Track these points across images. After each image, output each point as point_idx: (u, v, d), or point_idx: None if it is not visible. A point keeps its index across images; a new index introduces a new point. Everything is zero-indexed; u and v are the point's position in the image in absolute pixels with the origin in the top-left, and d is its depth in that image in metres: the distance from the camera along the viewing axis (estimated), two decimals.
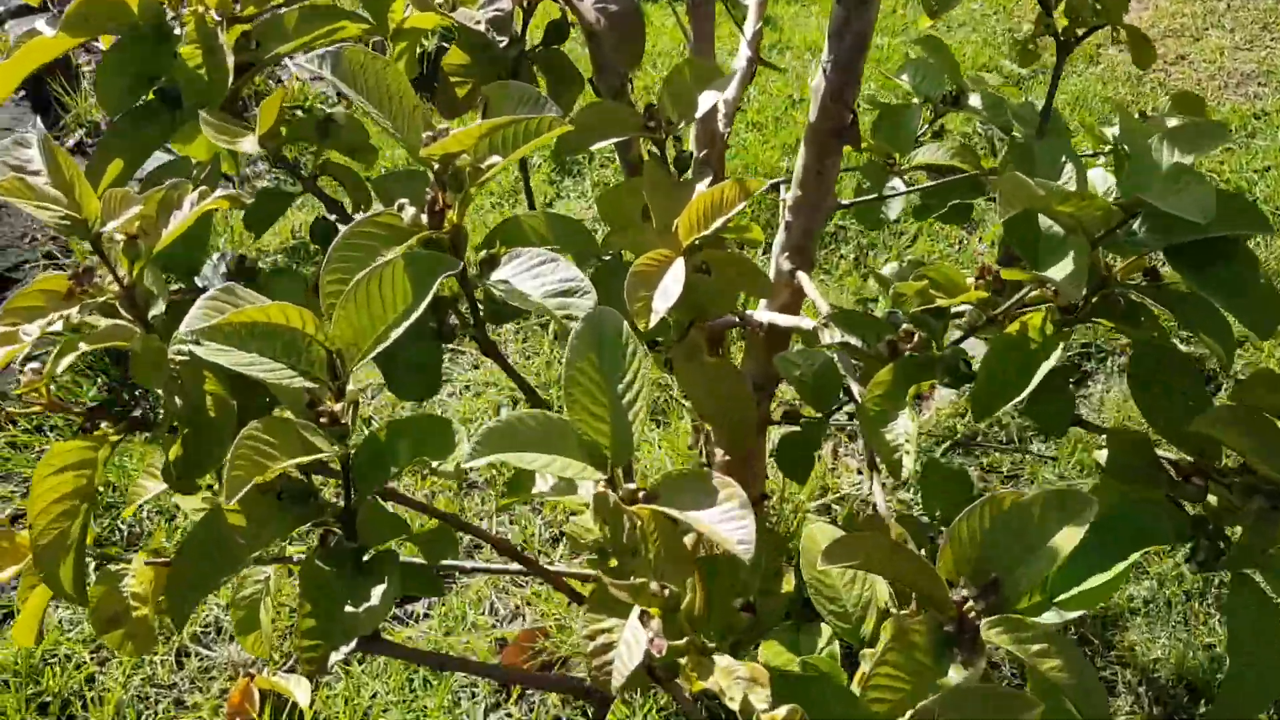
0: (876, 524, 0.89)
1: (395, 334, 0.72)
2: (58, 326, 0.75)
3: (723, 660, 0.60)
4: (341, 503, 0.76)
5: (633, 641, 0.65)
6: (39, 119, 2.89)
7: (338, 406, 0.73)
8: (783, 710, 0.58)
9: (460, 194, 0.81)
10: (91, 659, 1.70)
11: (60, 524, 0.78)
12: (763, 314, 1.19)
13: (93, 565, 1.45)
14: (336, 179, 0.95)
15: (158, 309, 0.82)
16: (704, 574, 0.65)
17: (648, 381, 0.68)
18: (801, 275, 1.17)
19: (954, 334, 0.98)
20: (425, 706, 1.56)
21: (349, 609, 0.71)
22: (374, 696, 1.61)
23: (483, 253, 0.84)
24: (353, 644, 0.68)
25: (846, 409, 1.06)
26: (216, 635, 1.73)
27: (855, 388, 1.04)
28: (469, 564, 1.02)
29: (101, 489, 1.94)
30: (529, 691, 1.57)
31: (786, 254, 1.20)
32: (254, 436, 0.68)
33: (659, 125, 1.00)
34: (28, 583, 0.99)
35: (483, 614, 1.69)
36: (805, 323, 1.18)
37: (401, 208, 0.79)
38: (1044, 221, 0.89)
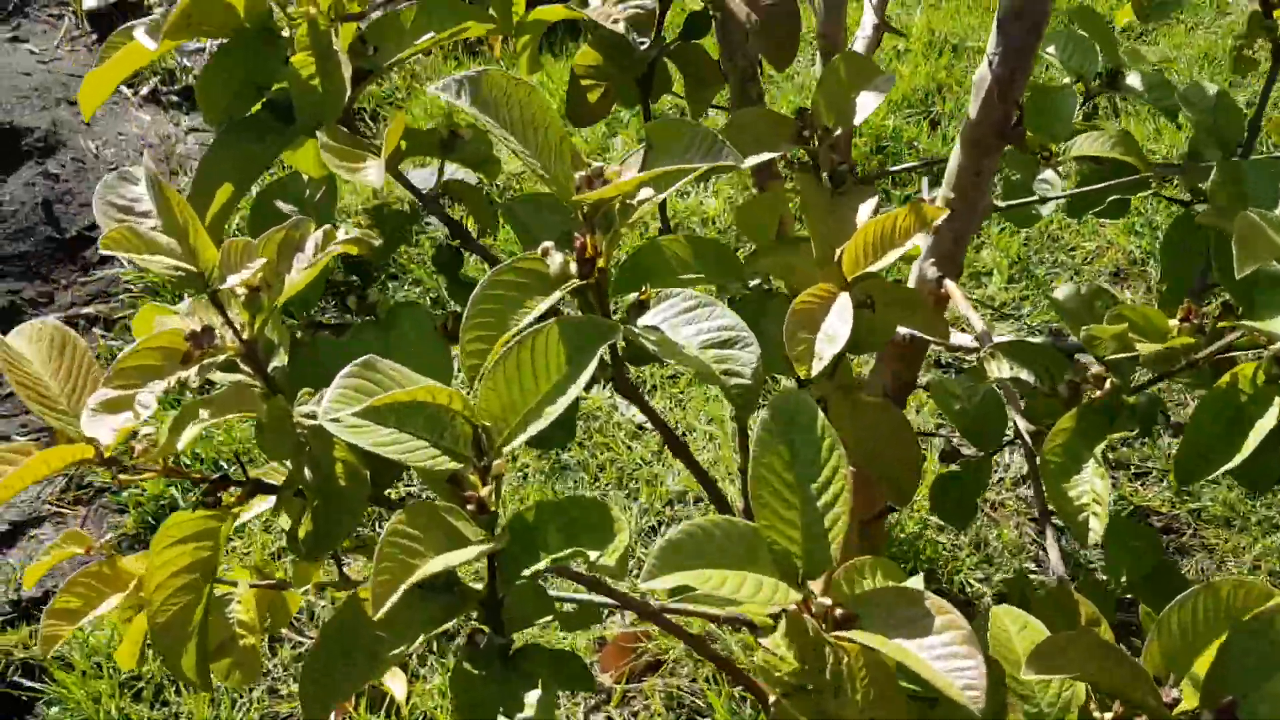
0: (1060, 597, 0.80)
1: (550, 412, 0.64)
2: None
3: None
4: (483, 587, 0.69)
5: None
6: None
7: (485, 491, 0.65)
8: None
9: (609, 234, 0.72)
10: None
11: (179, 599, 0.72)
12: (904, 328, 1.09)
13: None
14: (459, 199, 0.87)
15: (279, 360, 0.75)
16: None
17: (848, 482, 0.59)
18: (950, 284, 1.07)
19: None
20: None
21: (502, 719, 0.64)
22: None
23: (631, 296, 0.75)
24: None
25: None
26: (309, 620, 1.70)
27: (1022, 424, 0.94)
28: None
29: None
30: (630, 694, 1.52)
31: (933, 260, 1.10)
32: (399, 531, 0.61)
33: (814, 133, 0.89)
34: (126, 613, 0.94)
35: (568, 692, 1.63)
36: (959, 339, 1.08)
37: (546, 253, 0.71)
38: None
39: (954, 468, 0.96)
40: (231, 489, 0.72)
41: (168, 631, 0.71)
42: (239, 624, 1.04)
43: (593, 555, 0.65)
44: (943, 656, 0.55)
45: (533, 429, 0.64)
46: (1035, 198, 1.10)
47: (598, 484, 1.80)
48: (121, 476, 0.71)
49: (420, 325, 0.81)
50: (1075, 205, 1.18)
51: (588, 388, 0.82)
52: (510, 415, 0.65)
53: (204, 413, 0.66)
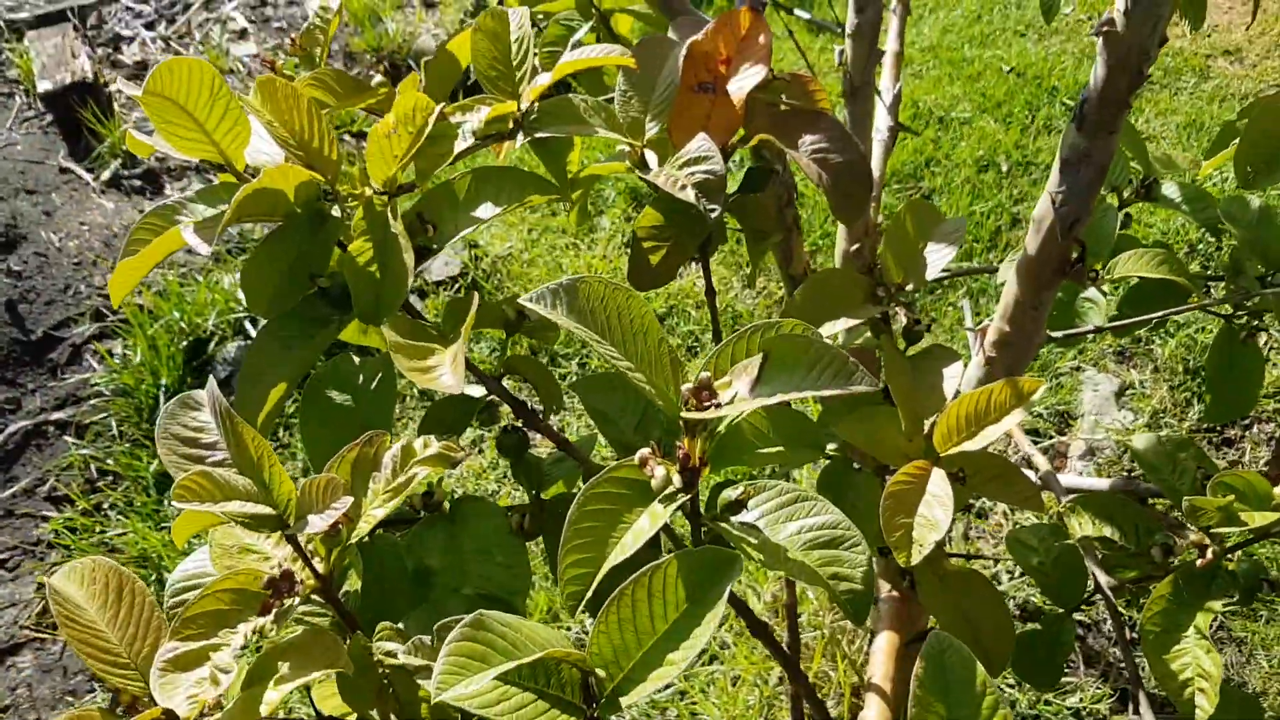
0: None
1: (676, 659, 0.59)
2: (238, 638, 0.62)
3: None
4: None
5: None
6: (66, 148, 2.73)
7: None
8: None
9: (704, 435, 0.67)
10: None
11: None
12: None
13: None
14: (524, 377, 0.81)
15: (351, 584, 0.69)
16: None
17: None
18: (1013, 427, 1.04)
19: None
20: None
21: None
22: None
23: (728, 493, 0.71)
24: None
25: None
26: None
27: (1103, 579, 0.91)
28: None
29: None
30: None
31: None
32: None
33: (886, 292, 0.86)
34: None
35: None
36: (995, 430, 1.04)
37: (645, 463, 0.66)
38: None
39: (1035, 625, 0.92)
40: None
41: None
42: None
43: None
44: None
45: (655, 680, 0.59)
46: (1090, 328, 1.07)
47: None
48: None
49: (491, 521, 0.75)
50: (1122, 328, 1.16)
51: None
52: (623, 659, 0.60)
53: (284, 667, 0.60)
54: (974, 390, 0.77)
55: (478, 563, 0.75)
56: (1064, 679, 1.54)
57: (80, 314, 2.26)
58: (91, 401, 2.13)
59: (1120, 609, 0.88)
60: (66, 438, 2.07)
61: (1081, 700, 1.49)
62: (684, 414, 0.63)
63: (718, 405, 0.62)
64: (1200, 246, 1.95)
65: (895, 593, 1.22)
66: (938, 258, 0.87)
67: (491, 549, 0.75)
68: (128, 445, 2.06)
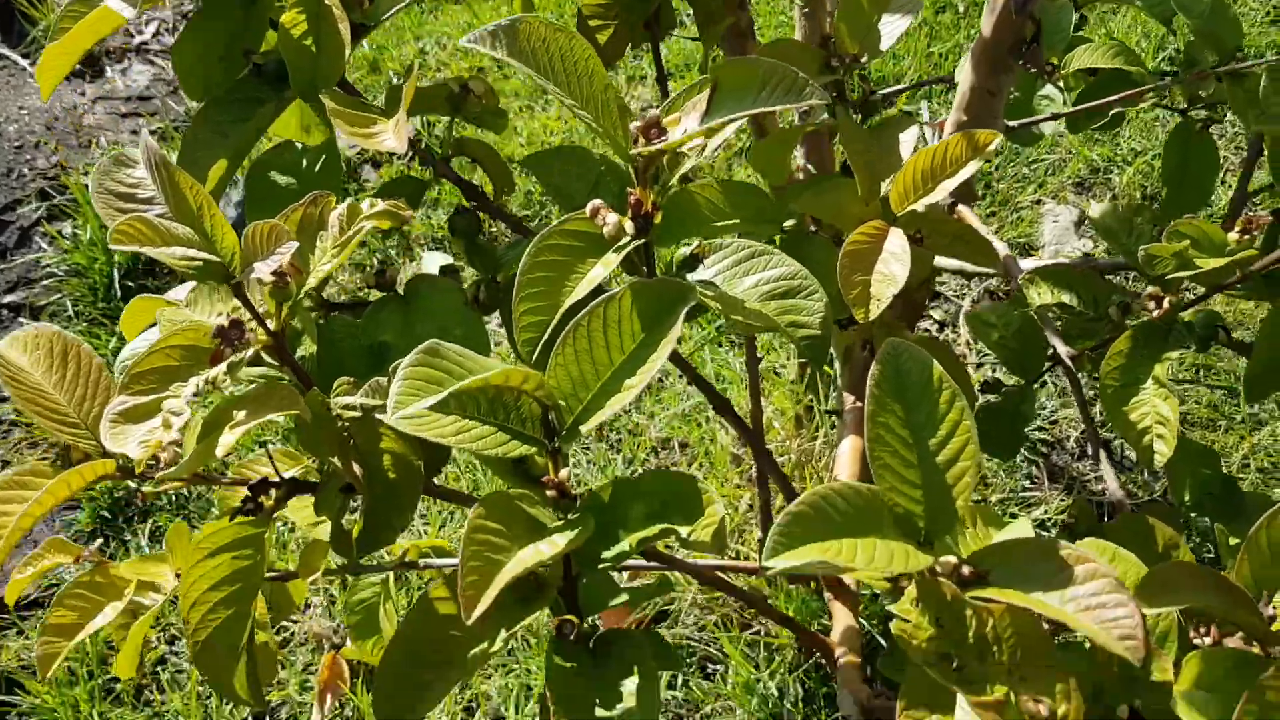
0: (1134, 524, 0.78)
1: (633, 384, 0.59)
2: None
3: None
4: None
5: None
6: (0, 35, 2.63)
7: (564, 474, 0.60)
8: None
9: (657, 187, 0.67)
10: (159, 638, 1.60)
11: (217, 614, 0.66)
12: None
13: None
14: (474, 159, 0.80)
15: (305, 349, 0.68)
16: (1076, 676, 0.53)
17: (972, 435, 0.55)
18: (964, 210, 1.03)
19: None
20: (530, 669, 1.47)
21: (602, 712, 0.59)
22: None
23: (683, 251, 0.70)
24: None
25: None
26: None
27: (1062, 349, 0.92)
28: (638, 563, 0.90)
29: None
30: None
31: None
32: (480, 526, 0.56)
33: (841, 63, 0.84)
34: (121, 619, 0.87)
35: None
36: (974, 265, 1.04)
37: (597, 213, 0.65)
38: None
39: (996, 398, 0.93)
40: (267, 492, 0.66)
41: (210, 650, 0.65)
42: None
43: (683, 531, 0.60)
44: (1092, 607, 0.51)
45: (612, 406, 0.59)
46: (1045, 116, 1.06)
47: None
48: (146, 489, 0.64)
49: (446, 297, 0.74)
50: (1076, 121, 1.16)
51: None
52: (582, 391, 0.60)
53: (239, 414, 0.60)
54: (929, 146, 0.76)
55: (432, 332, 0.74)
56: (1028, 493, 1.57)
57: (26, 196, 2.21)
58: (44, 283, 2.09)
59: (1077, 376, 0.89)
60: (21, 320, 2.04)
61: (1046, 513, 1.52)
62: (633, 150, 0.62)
63: (663, 131, 0.61)
64: (1157, 61, 1.95)
65: (859, 403, 1.23)
66: (892, 29, 0.85)
67: (448, 324, 0.74)
68: (85, 325, 2.03)
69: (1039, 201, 1.91)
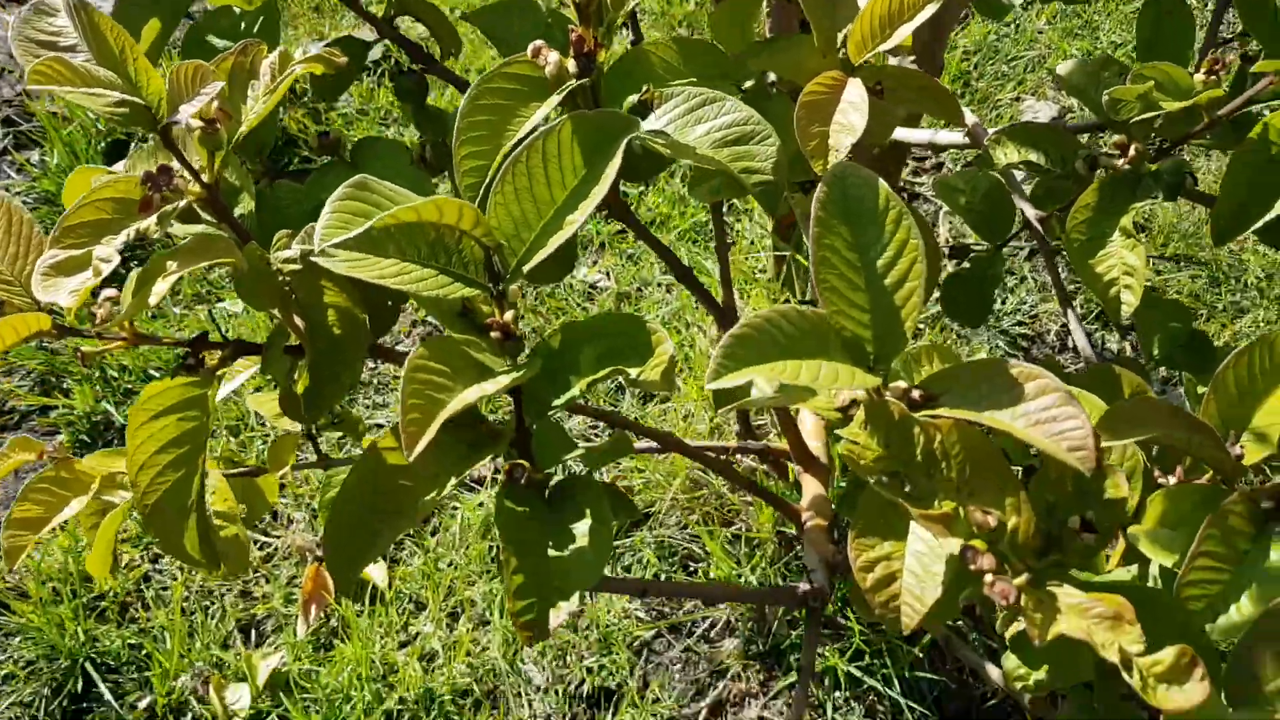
0: (1101, 374, 0.77)
1: (573, 219, 0.57)
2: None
3: (1067, 595, 0.49)
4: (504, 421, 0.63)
5: (921, 573, 0.53)
6: None
7: (508, 316, 0.58)
8: (1169, 653, 0.47)
9: (602, 28, 0.64)
10: (143, 557, 1.60)
11: (167, 477, 0.65)
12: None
13: None
14: (417, 17, 0.77)
15: (243, 206, 0.66)
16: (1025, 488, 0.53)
17: (920, 255, 0.54)
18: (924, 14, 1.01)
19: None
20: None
21: (554, 553, 0.59)
22: (453, 567, 1.52)
23: (632, 98, 0.68)
24: (575, 601, 0.56)
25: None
26: (274, 520, 1.63)
27: (1030, 211, 0.90)
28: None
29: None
30: (620, 550, 1.49)
31: (912, 59, 1.03)
32: (421, 367, 0.54)
33: None
34: (90, 517, 0.87)
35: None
36: (946, 137, 1.02)
37: (539, 53, 0.63)
38: None
39: (964, 265, 0.91)
40: (211, 352, 0.65)
41: (161, 513, 0.64)
42: (217, 515, 0.98)
43: (633, 372, 0.59)
44: (1043, 421, 0.50)
45: (554, 243, 0.57)
46: None
47: None
48: (84, 348, 0.63)
49: (393, 158, 0.72)
50: None
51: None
52: (524, 231, 0.59)
53: (172, 265, 0.58)
54: None
55: None
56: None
57: None
58: None
59: (1046, 238, 0.87)
60: None
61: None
62: None
63: None
64: None
65: None
66: None
67: (395, 182, 0.72)
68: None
69: (1018, 99, 1.89)
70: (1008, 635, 0.51)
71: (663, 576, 1.44)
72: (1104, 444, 0.58)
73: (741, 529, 1.45)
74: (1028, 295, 1.65)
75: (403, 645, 1.47)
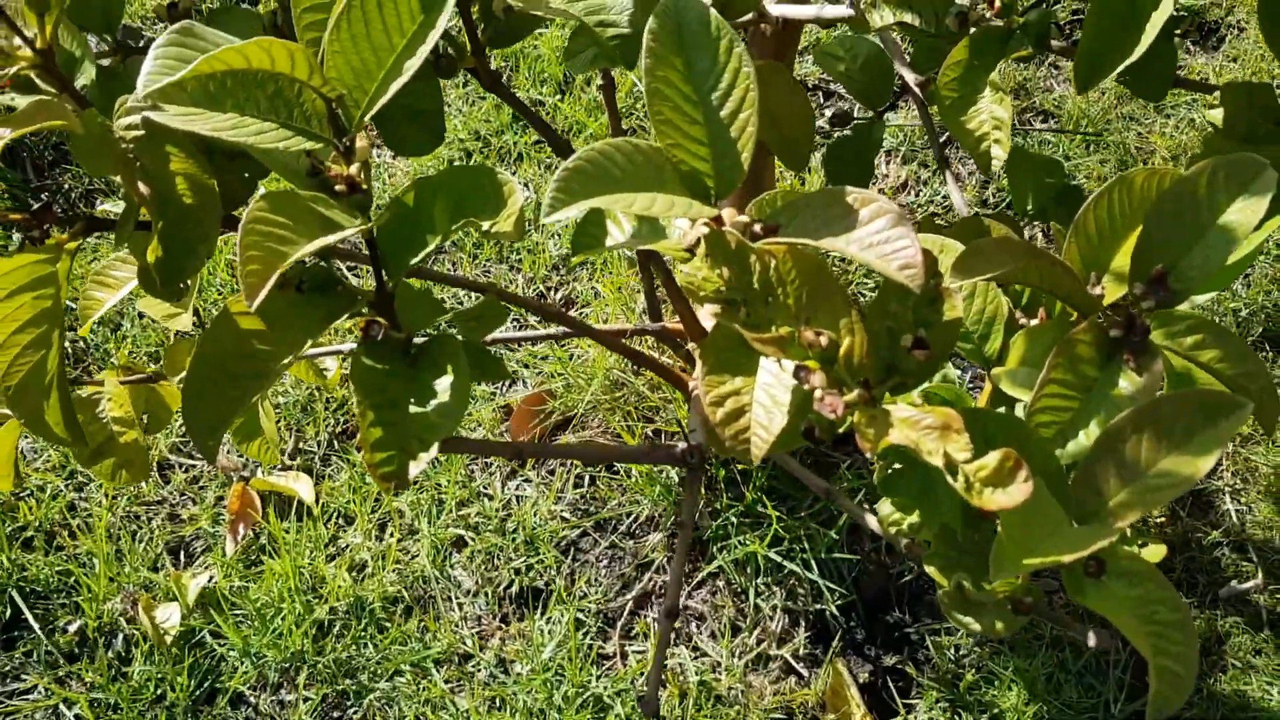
0: (971, 225, 0.77)
1: (410, 66, 0.57)
2: None
3: (900, 410, 0.50)
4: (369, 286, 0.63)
5: (769, 403, 0.54)
6: None
7: (353, 169, 0.58)
8: (993, 457, 0.48)
9: None
10: (67, 486, 1.59)
11: (28, 358, 0.64)
12: (774, 6, 1.03)
13: None
14: None
15: (85, 76, 0.65)
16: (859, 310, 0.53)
17: (753, 83, 0.54)
18: None
19: None
20: (440, 484, 1.48)
21: (415, 409, 0.59)
22: None
23: None
24: (434, 449, 0.56)
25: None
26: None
27: (909, 76, 0.90)
28: (510, 335, 0.89)
29: None
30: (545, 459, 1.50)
31: None
32: (261, 219, 0.54)
33: None
34: None
35: (479, 383, 1.58)
36: (832, 10, 1.02)
37: None
38: None
39: (847, 131, 0.92)
40: (61, 228, 0.64)
41: (24, 393, 0.64)
42: (114, 421, 0.97)
43: (484, 224, 0.59)
44: (875, 243, 0.51)
45: (394, 86, 0.57)
46: None
47: (477, 260, 1.73)
48: None
49: (248, 29, 0.71)
50: None
51: (446, 74, 0.74)
52: (366, 82, 0.58)
53: (5, 131, 0.57)
54: None
55: None
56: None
57: None
58: None
59: (924, 101, 0.87)
60: None
61: None
62: None
63: None
64: None
65: None
66: None
67: None
68: None
69: None
70: (877, 481, 0.52)
71: (586, 478, 1.46)
72: (960, 281, 0.59)
73: (661, 424, 1.46)
74: (940, 187, 1.66)
75: (331, 559, 1.47)
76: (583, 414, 1.49)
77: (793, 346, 0.50)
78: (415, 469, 0.56)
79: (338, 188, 0.57)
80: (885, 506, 0.64)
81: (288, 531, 1.49)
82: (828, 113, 1.79)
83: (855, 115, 0.93)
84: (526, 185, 1.81)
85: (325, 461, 1.57)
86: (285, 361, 0.59)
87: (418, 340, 0.64)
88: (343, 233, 0.55)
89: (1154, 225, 0.63)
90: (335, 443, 1.58)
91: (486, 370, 0.67)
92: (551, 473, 1.48)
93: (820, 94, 1.84)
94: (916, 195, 1.68)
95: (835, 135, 0.92)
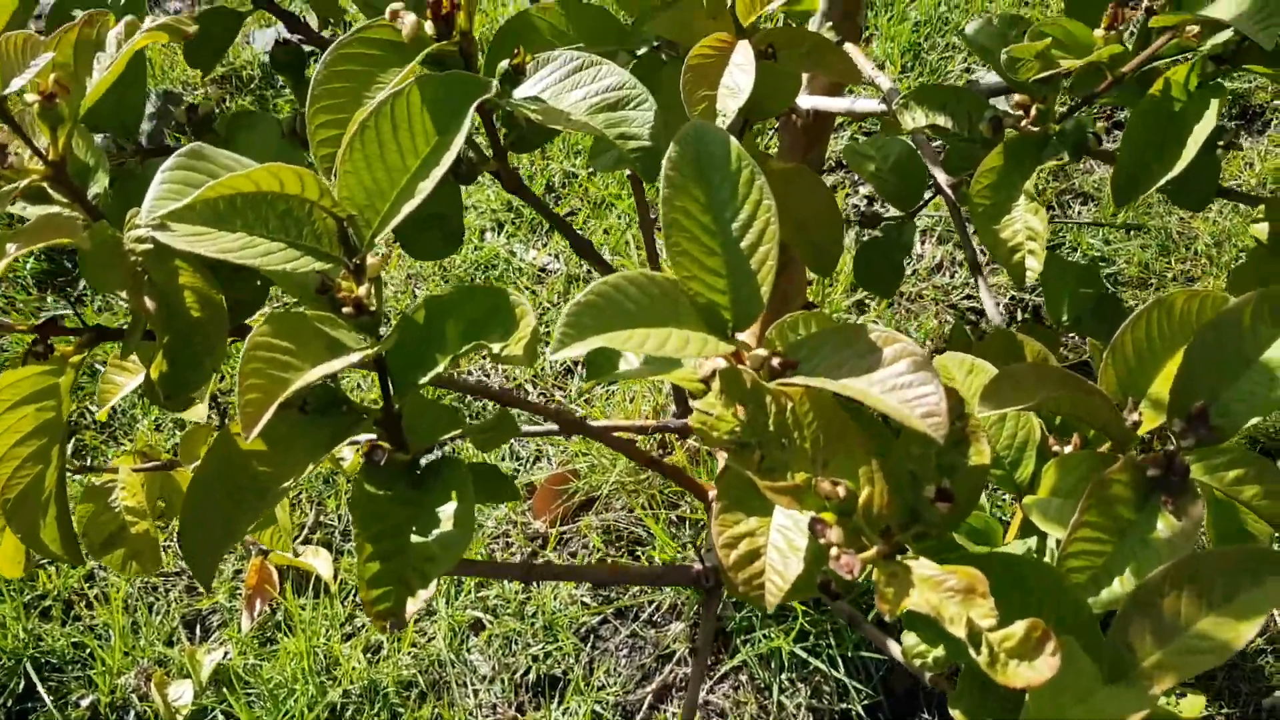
0: (1003, 340, 0.75)
1: (424, 187, 0.55)
2: None
3: (922, 567, 0.47)
4: (377, 403, 0.61)
5: (785, 548, 0.51)
6: None
7: (362, 290, 0.56)
8: (1020, 626, 0.45)
9: None
10: (87, 555, 1.58)
11: (28, 470, 0.63)
12: (805, 99, 1.01)
13: (71, 476, 1.30)
14: None
15: (99, 185, 0.64)
16: (879, 457, 0.50)
17: (773, 215, 0.52)
18: (850, 48, 0.99)
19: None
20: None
21: (416, 539, 0.57)
22: None
23: (504, 64, 0.66)
24: (434, 586, 0.54)
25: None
26: None
27: (941, 177, 0.88)
28: (526, 429, 0.87)
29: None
30: (567, 535, 1.47)
31: (830, 24, 1.01)
32: (265, 344, 0.52)
33: None
34: None
35: (502, 459, 1.57)
36: (864, 105, 1.00)
37: (396, 15, 0.60)
38: None
39: (876, 233, 0.89)
40: (67, 339, 0.62)
41: (23, 506, 0.62)
42: (126, 511, 0.95)
43: (495, 347, 0.57)
44: (897, 388, 0.48)
45: (406, 208, 0.55)
46: None
47: None
48: None
49: (262, 131, 0.70)
50: None
51: (466, 179, 0.73)
52: (379, 201, 0.56)
53: (11, 246, 0.56)
54: None
55: None
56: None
57: None
58: None
59: (957, 204, 0.85)
60: None
61: (919, 326, 1.50)
62: None
63: None
64: None
65: None
66: None
67: (265, 158, 0.70)
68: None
69: (969, 70, 1.86)
70: (887, 614, 0.49)
71: (609, 561, 1.42)
72: (989, 411, 0.56)
73: (686, 511, 1.43)
74: None
75: (347, 638, 1.45)
76: (606, 495, 1.47)
77: (809, 496, 0.48)
78: (413, 607, 0.54)
79: (345, 310, 0.56)
80: (910, 638, 0.61)
81: (304, 608, 1.47)
82: (861, 190, 1.77)
83: (885, 215, 0.91)
84: (557, 257, 1.80)
85: (346, 536, 1.55)
86: (286, 485, 0.57)
87: (424, 459, 0.62)
88: (348, 358, 0.53)
89: (1195, 356, 0.60)
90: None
91: (497, 492, 0.65)
92: (574, 555, 1.45)
93: (853, 176, 1.82)
94: (951, 276, 1.65)
95: (865, 236, 0.90)
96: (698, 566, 0.71)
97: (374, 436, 0.61)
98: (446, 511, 0.58)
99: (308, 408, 0.59)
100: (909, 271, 1.61)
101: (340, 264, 0.57)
